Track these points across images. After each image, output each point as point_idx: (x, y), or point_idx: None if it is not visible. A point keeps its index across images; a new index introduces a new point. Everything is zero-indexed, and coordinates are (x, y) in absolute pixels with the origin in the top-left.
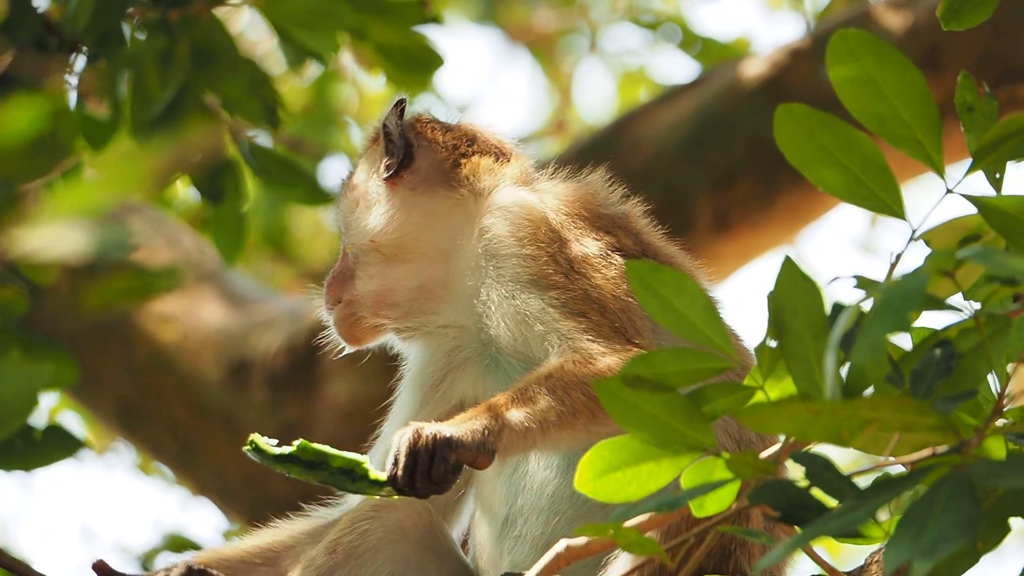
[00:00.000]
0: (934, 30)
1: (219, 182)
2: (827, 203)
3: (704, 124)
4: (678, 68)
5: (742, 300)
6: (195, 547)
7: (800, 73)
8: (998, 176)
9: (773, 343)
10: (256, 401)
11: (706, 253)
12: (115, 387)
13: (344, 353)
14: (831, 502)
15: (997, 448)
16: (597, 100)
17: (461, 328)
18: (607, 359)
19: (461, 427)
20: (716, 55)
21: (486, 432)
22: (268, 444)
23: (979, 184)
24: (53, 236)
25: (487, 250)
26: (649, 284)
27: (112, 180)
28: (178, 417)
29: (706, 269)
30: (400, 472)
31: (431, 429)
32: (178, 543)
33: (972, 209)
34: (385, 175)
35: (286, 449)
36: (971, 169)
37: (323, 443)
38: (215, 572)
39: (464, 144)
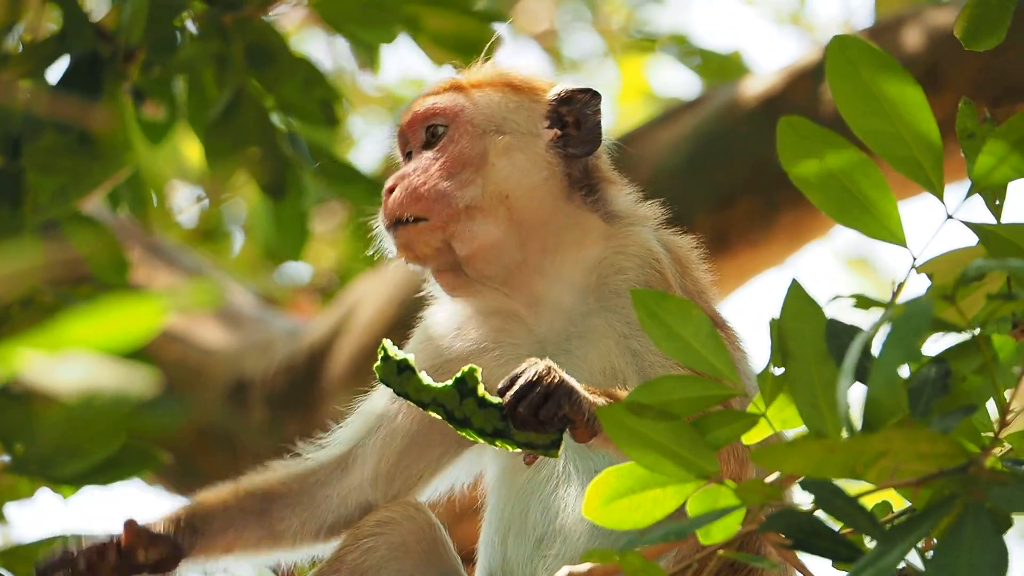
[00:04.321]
0: (933, 49)
1: (281, 180)
2: (827, 223)
3: (704, 143)
4: (678, 82)
5: (738, 319)
6: None
7: (801, 93)
8: (998, 203)
9: (777, 370)
10: (256, 421)
11: None
12: None
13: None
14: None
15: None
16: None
17: (520, 319)
18: None
19: (587, 391)
20: (716, 69)
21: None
22: (396, 351)
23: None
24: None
25: (609, 283)
26: (655, 312)
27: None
28: (178, 437)
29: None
30: (512, 392)
31: (564, 373)
32: None
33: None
34: (561, 149)
35: (409, 356)
36: (969, 193)
37: None
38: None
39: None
